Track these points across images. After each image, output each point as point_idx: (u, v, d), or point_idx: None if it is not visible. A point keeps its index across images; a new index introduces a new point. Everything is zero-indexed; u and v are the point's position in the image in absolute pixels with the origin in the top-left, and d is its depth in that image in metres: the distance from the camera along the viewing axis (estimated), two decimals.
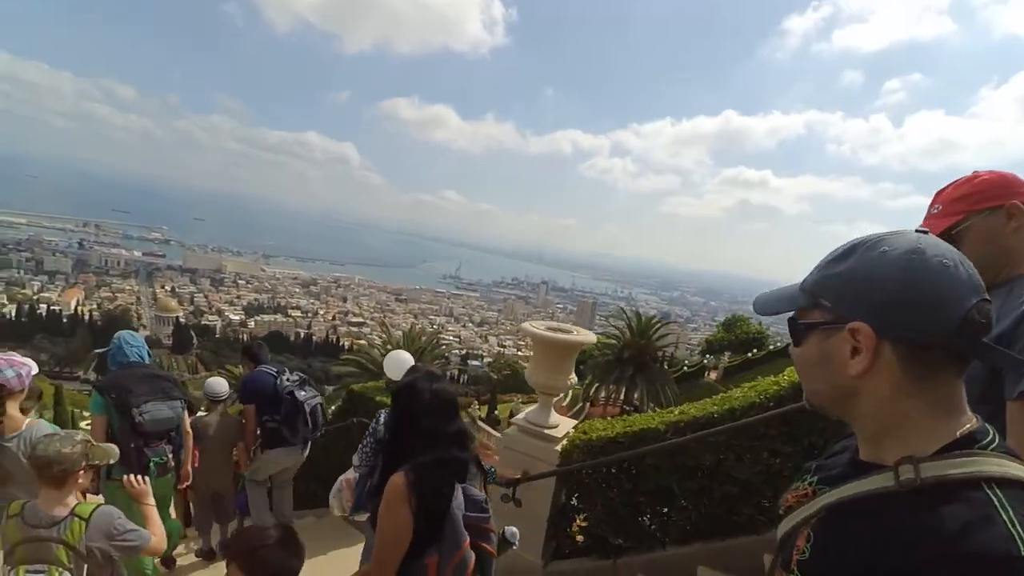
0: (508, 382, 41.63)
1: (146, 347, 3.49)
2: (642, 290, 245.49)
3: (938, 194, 1.38)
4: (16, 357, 2.72)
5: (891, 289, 0.67)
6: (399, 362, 4.79)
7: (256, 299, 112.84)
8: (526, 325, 3.55)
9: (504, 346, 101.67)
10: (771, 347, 38.34)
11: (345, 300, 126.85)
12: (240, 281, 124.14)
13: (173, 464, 3.34)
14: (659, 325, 30.92)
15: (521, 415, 3.68)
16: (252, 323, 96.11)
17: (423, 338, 25.12)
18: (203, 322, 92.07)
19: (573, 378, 3.53)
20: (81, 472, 2.17)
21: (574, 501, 3.52)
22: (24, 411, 2.76)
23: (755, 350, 37.95)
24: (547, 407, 3.59)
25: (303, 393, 3.98)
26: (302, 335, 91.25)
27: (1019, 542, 0.57)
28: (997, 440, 0.69)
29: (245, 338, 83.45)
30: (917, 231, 0.73)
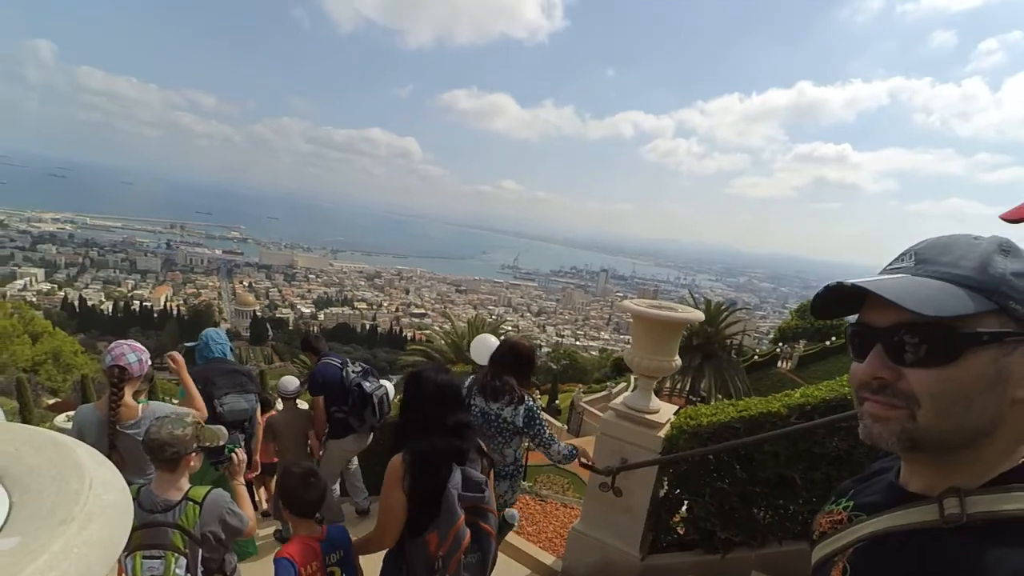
0: (567, 372, 41.22)
1: (229, 344, 3.77)
2: (706, 276, 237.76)
3: None
4: (136, 343, 2.76)
5: None
6: (486, 346, 4.70)
7: (325, 292, 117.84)
8: (626, 303, 3.31)
9: (562, 336, 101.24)
10: None
11: (407, 292, 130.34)
12: (310, 276, 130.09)
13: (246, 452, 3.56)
14: (728, 312, 29.70)
15: (619, 399, 3.47)
16: (322, 315, 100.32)
17: (485, 327, 25.40)
18: (277, 315, 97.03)
19: (677, 360, 3.27)
20: (193, 455, 2.15)
21: (677, 491, 3.28)
22: (136, 395, 2.81)
23: (833, 338, 35.81)
24: (648, 391, 3.35)
25: (368, 384, 4.07)
26: (367, 326, 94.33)
27: None
28: None
29: (315, 330, 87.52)
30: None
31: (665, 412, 3.35)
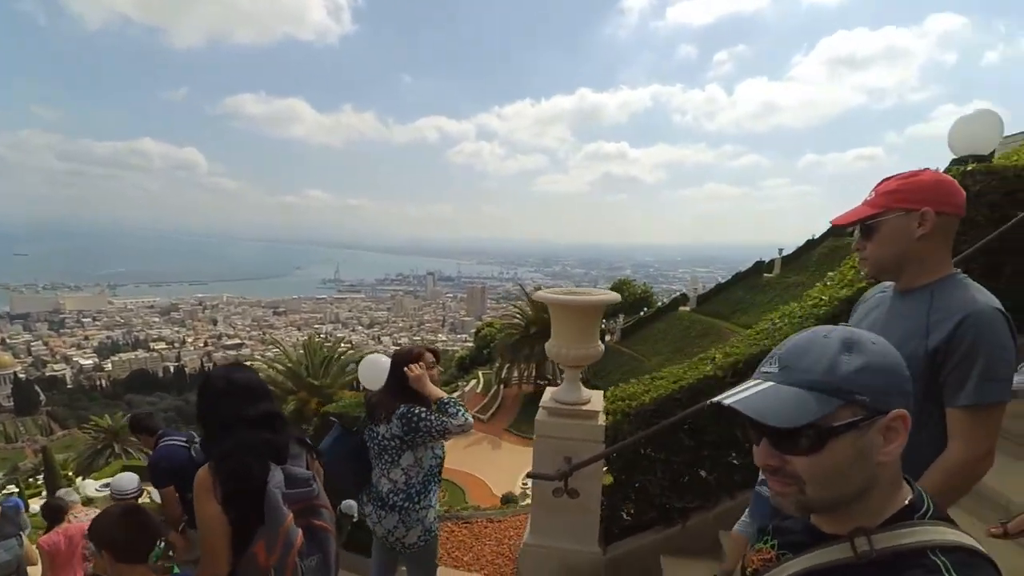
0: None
1: None
2: (526, 268, 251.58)
3: (881, 181, 1.36)
4: None
5: (907, 376, 0.75)
6: (375, 368, 4.10)
7: (108, 337, 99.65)
8: (542, 293, 3.13)
9: (400, 344, 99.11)
10: (659, 304, 40.92)
11: (215, 323, 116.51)
12: (85, 319, 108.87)
13: None
14: None
15: (547, 396, 3.27)
16: (109, 365, 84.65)
17: (324, 347, 23.50)
18: (48, 373, 79.41)
19: (600, 346, 3.16)
20: None
21: (626, 476, 3.20)
22: None
23: (645, 309, 40.24)
24: (576, 382, 3.21)
25: None
26: (171, 369, 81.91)
27: None
28: (932, 507, 0.76)
29: (103, 384, 73.39)
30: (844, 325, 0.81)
31: (596, 400, 3.24)
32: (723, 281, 38.98)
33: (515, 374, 29.48)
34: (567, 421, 3.11)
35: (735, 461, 3.01)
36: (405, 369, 2.53)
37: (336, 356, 22.17)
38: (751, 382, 0.77)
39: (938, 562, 0.69)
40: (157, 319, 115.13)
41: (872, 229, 1.34)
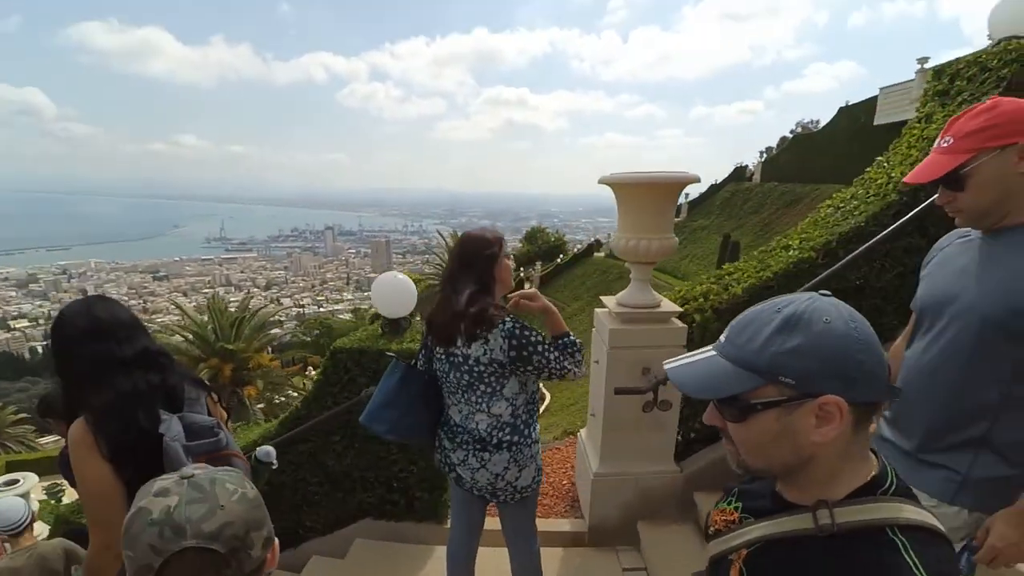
0: (322, 342, 38.33)
1: None
2: (431, 220, 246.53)
3: (951, 123, 1.23)
4: None
5: (858, 361, 0.69)
6: (396, 289, 3.34)
7: None
8: (608, 176, 2.61)
9: (303, 305, 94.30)
10: (574, 251, 41.70)
11: (85, 293, 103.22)
12: None
13: None
14: None
15: (611, 304, 2.81)
16: None
17: (231, 308, 21.40)
18: None
19: (674, 238, 2.73)
20: None
21: None
22: None
23: (561, 256, 40.89)
24: (647, 282, 2.77)
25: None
26: (40, 349, 72.04)
27: None
28: (896, 483, 0.75)
29: None
30: (821, 293, 0.74)
31: (666, 302, 2.84)
32: None
33: None
34: (645, 327, 2.69)
35: None
36: (518, 296, 1.91)
37: (247, 317, 20.27)
38: (704, 349, 0.79)
39: (896, 540, 0.68)
40: (14, 293, 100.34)
41: (964, 178, 1.20)
